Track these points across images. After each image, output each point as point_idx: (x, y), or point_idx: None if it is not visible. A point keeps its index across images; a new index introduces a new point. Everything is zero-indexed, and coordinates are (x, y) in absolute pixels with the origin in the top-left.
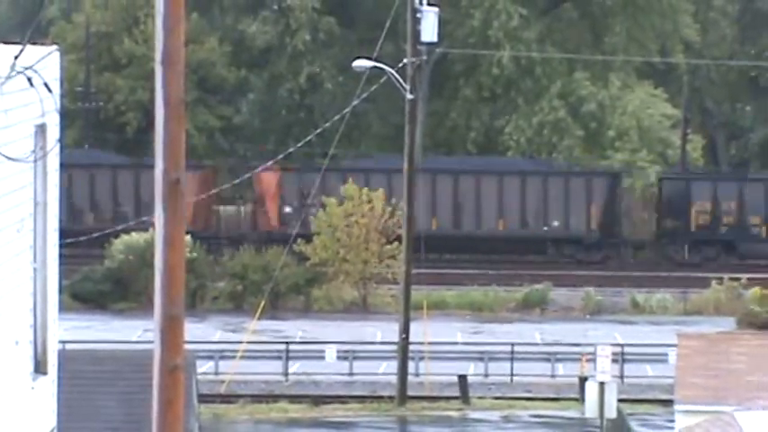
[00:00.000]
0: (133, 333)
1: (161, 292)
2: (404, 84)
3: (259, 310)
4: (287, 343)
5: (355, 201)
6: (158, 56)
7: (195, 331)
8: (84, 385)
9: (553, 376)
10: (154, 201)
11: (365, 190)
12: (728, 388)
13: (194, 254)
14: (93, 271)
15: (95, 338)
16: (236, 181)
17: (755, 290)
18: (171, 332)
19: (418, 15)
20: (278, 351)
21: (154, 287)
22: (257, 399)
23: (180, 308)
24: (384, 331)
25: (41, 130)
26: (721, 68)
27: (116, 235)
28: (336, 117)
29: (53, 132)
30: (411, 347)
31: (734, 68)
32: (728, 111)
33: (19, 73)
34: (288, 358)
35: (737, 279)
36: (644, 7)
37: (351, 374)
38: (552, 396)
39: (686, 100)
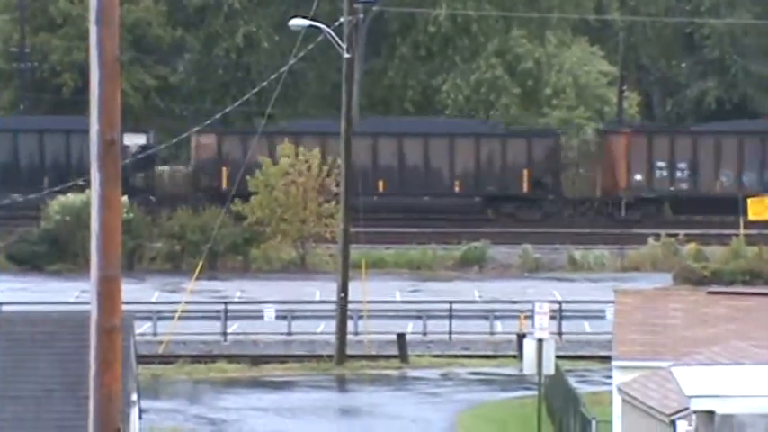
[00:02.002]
0: (70, 294)
1: (97, 253)
2: (340, 43)
3: (197, 271)
4: (225, 303)
5: (292, 160)
6: (93, 15)
7: (133, 292)
8: (21, 347)
9: (491, 333)
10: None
11: (302, 149)
12: (665, 343)
13: (131, 214)
14: (29, 232)
15: (32, 300)
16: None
17: (692, 245)
18: (108, 293)
19: None
20: (216, 311)
21: (90, 248)
22: (196, 359)
23: (117, 269)
24: (323, 290)
25: None
26: (657, 25)
27: (53, 196)
28: (273, 76)
29: None
30: (350, 306)
31: (669, 25)
32: (664, 67)
33: None
34: (226, 318)
35: (674, 235)
36: None
37: (289, 334)
38: (490, 353)
39: (622, 57)
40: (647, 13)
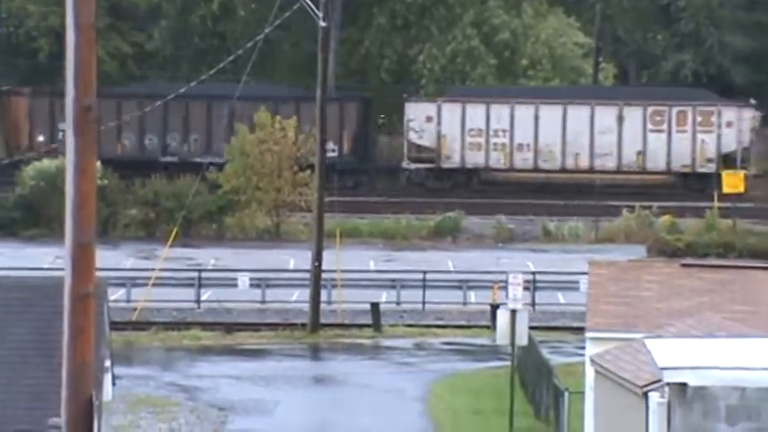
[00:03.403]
0: (44, 260)
1: (72, 219)
2: (317, 11)
3: (171, 238)
4: (199, 270)
5: (267, 129)
6: None
7: (107, 259)
8: None
9: (465, 304)
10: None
11: (278, 118)
12: (639, 315)
13: (105, 181)
14: (5, 198)
15: (6, 266)
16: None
17: (666, 218)
18: (82, 260)
19: None
20: (190, 279)
21: (65, 214)
22: (169, 326)
23: (91, 235)
24: (297, 259)
25: None
26: None
27: (28, 162)
28: (249, 44)
29: None
30: (324, 275)
31: None
32: (640, 39)
33: None
34: (200, 286)
35: (648, 207)
36: None
37: (263, 302)
38: (464, 323)
39: (598, 28)
40: None
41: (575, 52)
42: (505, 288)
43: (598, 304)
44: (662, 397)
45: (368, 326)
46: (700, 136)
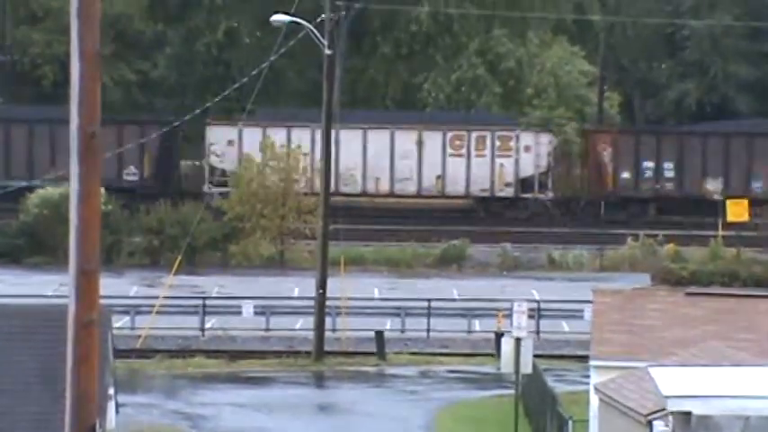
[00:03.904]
0: (48, 288)
1: (76, 246)
2: (322, 39)
3: (176, 265)
4: (203, 298)
5: (272, 155)
6: (74, 9)
7: (111, 286)
8: None
9: (470, 332)
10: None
11: (284, 146)
12: (643, 344)
13: (109, 206)
14: (8, 225)
15: (10, 293)
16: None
17: (670, 246)
18: (86, 287)
19: None
20: (194, 306)
21: (69, 242)
22: (174, 354)
23: (95, 263)
24: (301, 287)
25: None
26: (637, 26)
27: (31, 189)
28: (254, 72)
29: None
30: (328, 303)
31: (650, 26)
32: (644, 68)
33: None
34: (204, 313)
35: (653, 236)
36: None
37: (267, 330)
38: (469, 351)
39: (603, 57)
40: (627, 14)
41: (579, 81)
42: (510, 316)
43: (602, 333)
44: (666, 425)
45: (372, 354)
46: (498, 160)
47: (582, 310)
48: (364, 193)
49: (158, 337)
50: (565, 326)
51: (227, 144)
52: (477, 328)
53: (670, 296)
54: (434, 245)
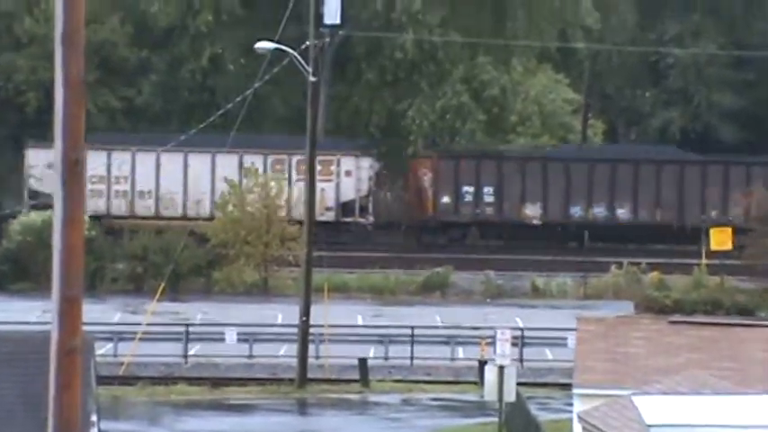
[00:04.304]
0: (32, 314)
1: (59, 272)
2: (306, 66)
3: (159, 292)
4: (187, 325)
5: (257, 183)
6: (58, 35)
7: (94, 313)
8: None
9: (453, 359)
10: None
11: (268, 173)
12: (627, 372)
13: (93, 232)
14: None
15: None
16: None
17: (654, 274)
18: (69, 314)
19: None
20: (178, 333)
21: (52, 268)
22: (156, 381)
23: (78, 289)
24: (285, 314)
25: None
26: (622, 54)
27: (14, 215)
28: (239, 99)
29: None
30: (311, 330)
31: (634, 54)
32: (629, 96)
33: None
34: (188, 340)
35: (637, 264)
36: None
37: (251, 357)
38: (452, 379)
39: (587, 85)
40: (611, 42)
41: (564, 109)
42: (493, 344)
43: (586, 361)
44: None
45: (356, 381)
46: (320, 185)
47: (565, 338)
48: (185, 217)
49: (141, 363)
50: (548, 354)
51: (46, 167)
52: (461, 355)
53: (654, 324)
54: (418, 272)
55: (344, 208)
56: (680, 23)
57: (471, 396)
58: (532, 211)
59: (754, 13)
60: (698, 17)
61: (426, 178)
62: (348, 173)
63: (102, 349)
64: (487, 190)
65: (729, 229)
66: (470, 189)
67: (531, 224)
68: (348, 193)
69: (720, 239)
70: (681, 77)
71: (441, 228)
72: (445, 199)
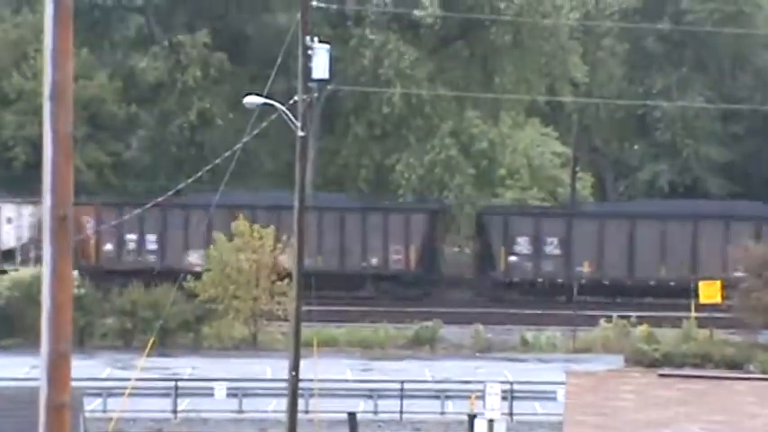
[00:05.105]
0: (20, 370)
1: (48, 328)
2: (295, 121)
3: (148, 347)
4: (176, 380)
5: (245, 237)
6: (47, 91)
7: (83, 368)
8: None
9: (443, 413)
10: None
11: (256, 226)
12: (616, 426)
13: (82, 290)
14: None
15: None
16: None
17: (643, 327)
18: (58, 369)
19: (309, 52)
20: (167, 388)
21: (41, 323)
22: None
23: (67, 345)
24: (274, 368)
25: None
26: (610, 107)
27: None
28: (227, 153)
29: None
30: (301, 384)
31: (622, 107)
32: (617, 149)
33: None
34: (177, 395)
35: (626, 317)
36: (532, 47)
37: (240, 412)
38: None
39: (575, 138)
40: (599, 96)
41: (553, 162)
42: (483, 398)
43: (575, 414)
44: None
45: None
46: None
47: (555, 392)
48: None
49: (130, 419)
50: (538, 407)
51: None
52: (451, 409)
53: (643, 377)
54: (407, 326)
55: (5, 255)
56: (667, 77)
57: None
58: (195, 258)
59: (742, 67)
60: (685, 71)
61: (89, 225)
62: (9, 220)
63: (92, 405)
64: (150, 238)
65: (718, 283)
66: (133, 237)
67: (194, 271)
68: (10, 241)
69: (709, 293)
70: (668, 130)
71: (105, 275)
72: (108, 246)
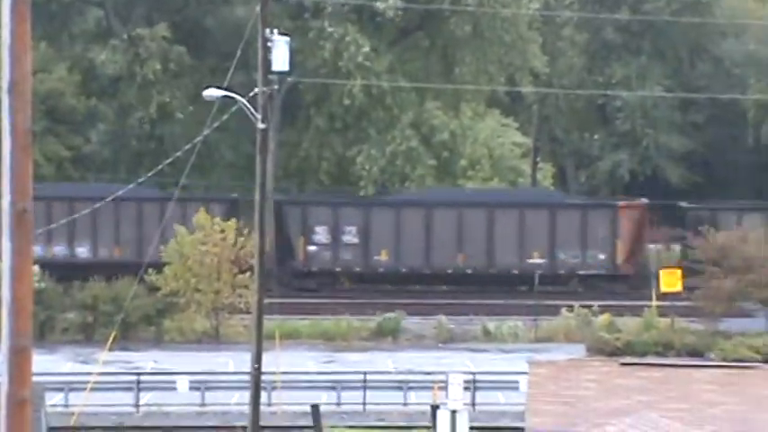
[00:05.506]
0: None
1: (8, 323)
2: (255, 113)
3: (110, 341)
4: (138, 374)
5: (207, 230)
6: (5, 85)
7: (45, 363)
8: None
9: (405, 404)
10: None
11: (217, 219)
12: (578, 414)
13: (43, 284)
14: None
15: None
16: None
17: (605, 316)
18: (18, 365)
19: (269, 45)
20: (129, 382)
21: (1, 319)
22: (108, 431)
23: (28, 340)
24: (236, 361)
25: None
26: (570, 97)
27: None
28: (187, 147)
29: None
30: (263, 377)
31: (582, 97)
32: (577, 139)
33: None
34: (139, 389)
35: (588, 306)
36: (492, 39)
37: (203, 405)
38: (404, 424)
39: (536, 129)
40: (559, 86)
41: (513, 152)
42: (446, 388)
43: (537, 404)
44: None
45: (309, 428)
46: None
47: (517, 382)
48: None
49: (92, 413)
50: (500, 397)
51: None
52: (413, 400)
53: (604, 366)
54: (370, 317)
55: None
56: (626, 66)
57: None
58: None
59: (700, 56)
60: (644, 60)
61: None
62: None
63: (53, 400)
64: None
65: (678, 271)
66: None
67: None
68: None
69: (670, 281)
70: (628, 120)
71: None
72: None
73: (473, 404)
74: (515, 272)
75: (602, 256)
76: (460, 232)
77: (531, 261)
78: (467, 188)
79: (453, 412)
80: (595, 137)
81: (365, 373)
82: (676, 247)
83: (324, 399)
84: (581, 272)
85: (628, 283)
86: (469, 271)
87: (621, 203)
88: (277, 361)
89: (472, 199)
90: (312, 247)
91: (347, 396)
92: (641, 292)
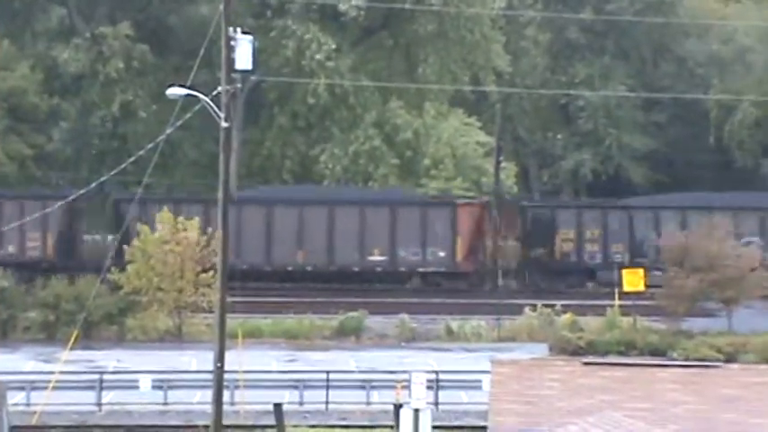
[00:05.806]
0: None
1: None
2: (219, 112)
3: (72, 340)
4: (100, 373)
5: (170, 229)
6: None
7: (6, 362)
8: None
9: (368, 403)
10: None
11: (180, 218)
12: (541, 414)
13: (5, 283)
14: None
15: None
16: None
17: (567, 316)
18: None
19: (232, 43)
20: (91, 381)
21: None
22: (70, 430)
23: None
24: (199, 360)
25: None
26: (533, 97)
27: None
28: (150, 145)
29: None
30: (226, 376)
31: (545, 97)
32: (540, 139)
33: None
34: (101, 388)
35: (551, 306)
36: (456, 38)
37: (165, 404)
38: (367, 423)
39: (499, 128)
40: (522, 85)
41: (476, 152)
42: (408, 387)
43: (500, 403)
44: None
45: (271, 427)
46: None
47: (480, 381)
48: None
49: (54, 412)
50: (463, 396)
51: None
52: (376, 399)
53: (567, 366)
54: (332, 316)
55: None
56: (589, 66)
57: None
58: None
59: (663, 56)
60: (607, 60)
61: None
62: None
63: (15, 398)
64: None
65: (641, 271)
66: None
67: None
68: None
69: (632, 281)
70: (591, 120)
71: None
72: None
73: (436, 403)
74: (356, 269)
75: (441, 254)
76: (301, 230)
77: (371, 258)
78: (307, 186)
79: (416, 411)
80: (558, 136)
81: (328, 372)
82: (516, 244)
83: (286, 398)
84: (421, 269)
85: (467, 280)
86: (309, 268)
87: (460, 201)
88: (240, 360)
89: (313, 196)
90: None
91: (310, 395)
92: (481, 289)
